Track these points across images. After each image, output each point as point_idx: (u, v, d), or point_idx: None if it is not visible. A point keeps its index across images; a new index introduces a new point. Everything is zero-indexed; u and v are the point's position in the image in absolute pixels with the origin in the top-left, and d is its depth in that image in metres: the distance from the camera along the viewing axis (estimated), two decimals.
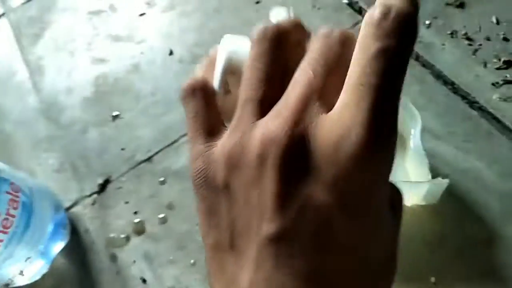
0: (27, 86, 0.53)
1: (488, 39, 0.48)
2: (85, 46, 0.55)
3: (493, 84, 0.45)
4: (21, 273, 0.37)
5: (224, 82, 0.21)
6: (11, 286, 0.38)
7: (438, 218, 0.39)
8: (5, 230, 0.33)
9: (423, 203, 0.38)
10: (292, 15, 0.21)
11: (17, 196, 0.34)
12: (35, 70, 0.54)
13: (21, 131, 0.49)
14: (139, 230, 0.42)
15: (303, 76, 0.18)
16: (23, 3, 0.60)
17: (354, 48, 0.17)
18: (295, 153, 0.16)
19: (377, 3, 0.16)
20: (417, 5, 0.16)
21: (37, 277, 0.39)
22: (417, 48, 0.47)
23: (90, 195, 0.44)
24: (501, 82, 0.45)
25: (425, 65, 0.47)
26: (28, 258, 0.36)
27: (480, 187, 0.40)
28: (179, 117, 0.48)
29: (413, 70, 0.46)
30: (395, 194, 0.19)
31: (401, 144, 0.39)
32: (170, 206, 0.43)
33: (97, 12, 0.57)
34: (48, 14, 0.58)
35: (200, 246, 0.40)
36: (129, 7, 0.57)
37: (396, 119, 0.16)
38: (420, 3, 0.16)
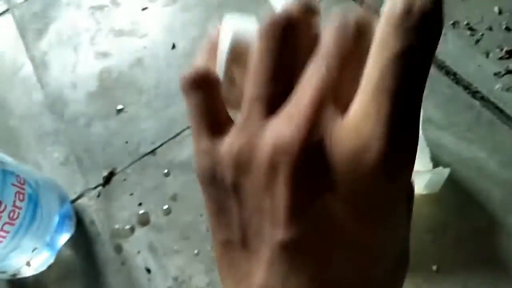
0: (32, 81, 0.53)
1: (490, 29, 0.48)
2: (88, 41, 0.55)
3: (495, 74, 0.45)
4: (28, 264, 0.37)
5: (228, 70, 0.19)
6: (18, 276, 0.38)
7: (439, 207, 0.39)
8: (12, 221, 0.34)
9: (424, 192, 0.38)
10: None
11: (23, 189, 0.35)
12: (39, 65, 0.54)
13: (27, 125, 0.50)
14: (144, 221, 0.42)
15: (316, 73, 0.16)
16: None
17: (370, 37, 0.15)
18: (309, 163, 0.15)
19: None
20: (441, 0, 0.14)
21: (44, 268, 0.40)
22: None
23: (95, 188, 0.45)
24: (503, 72, 0.45)
25: None
26: (35, 249, 0.37)
27: (482, 176, 0.40)
28: (182, 110, 0.49)
29: None
30: (410, 188, 0.18)
31: None
32: (174, 198, 0.43)
33: (99, 7, 0.58)
34: (52, 10, 0.59)
35: (203, 236, 0.41)
36: (131, 1, 0.57)
37: (418, 126, 0.15)
38: None
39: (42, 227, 0.37)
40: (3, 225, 0.33)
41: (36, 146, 0.48)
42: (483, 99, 0.44)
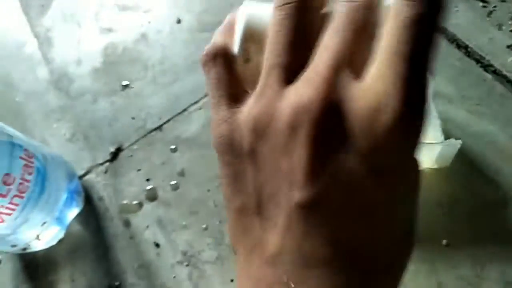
0: (36, 57, 0.53)
1: (503, 0, 0.46)
2: (92, 16, 0.54)
3: (508, 46, 0.44)
4: (38, 237, 0.37)
5: (244, 48, 0.21)
6: (28, 250, 0.38)
7: (450, 181, 0.38)
8: (21, 194, 0.34)
9: (435, 166, 0.38)
10: None
11: (32, 162, 0.35)
12: (44, 42, 0.54)
13: (33, 102, 0.50)
14: (152, 196, 0.42)
15: (331, 41, 0.17)
16: None
17: (379, 9, 0.17)
18: (329, 121, 0.16)
19: None
20: None
21: (53, 242, 0.40)
22: None
23: (102, 164, 0.45)
24: None
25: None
26: (44, 223, 0.37)
27: (493, 150, 0.39)
28: (189, 85, 0.48)
29: None
30: (418, 164, 0.19)
31: None
32: (181, 173, 0.43)
33: None
34: None
35: (212, 211, 0.41)
36: None
37: (427, 87, 0.16)
38: None
39: (51, 201, 0.37)
40: (12, 197, 0.33)
41: (43, 122, 0.48)
42: (495, 72, 0.43)
